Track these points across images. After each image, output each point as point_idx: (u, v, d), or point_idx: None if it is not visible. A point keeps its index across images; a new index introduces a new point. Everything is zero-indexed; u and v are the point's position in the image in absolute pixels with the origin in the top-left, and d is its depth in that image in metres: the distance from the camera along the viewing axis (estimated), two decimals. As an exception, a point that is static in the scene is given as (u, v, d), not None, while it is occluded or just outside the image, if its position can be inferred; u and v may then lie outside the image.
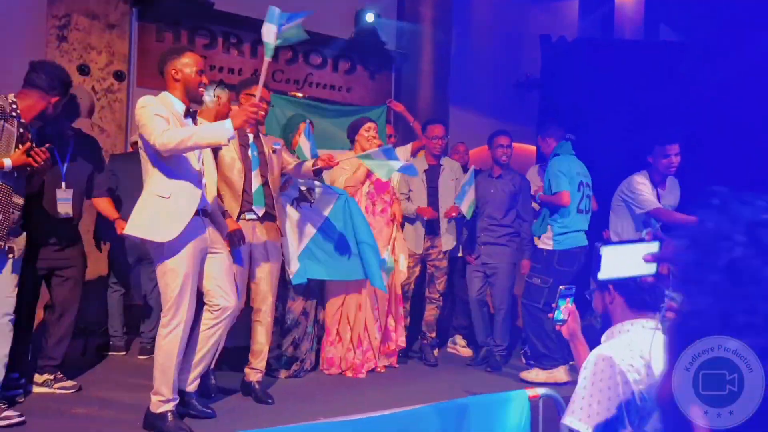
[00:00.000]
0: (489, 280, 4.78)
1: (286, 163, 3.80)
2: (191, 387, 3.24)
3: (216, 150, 3.39)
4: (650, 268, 1.54)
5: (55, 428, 3.06)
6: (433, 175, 4.79)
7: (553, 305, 2.05)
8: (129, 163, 4.08)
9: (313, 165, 3.67)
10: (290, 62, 6.42)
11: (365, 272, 4.09)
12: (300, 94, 6.27)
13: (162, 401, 3.00)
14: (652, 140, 4.29)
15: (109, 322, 4.51)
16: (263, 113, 3.08)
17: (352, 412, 2.42)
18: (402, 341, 4.54)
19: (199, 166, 3.08)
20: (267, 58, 2.99)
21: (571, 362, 4.08)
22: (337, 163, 3.76)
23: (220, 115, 3.73)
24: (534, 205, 4.85)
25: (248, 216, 3.62)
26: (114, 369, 4.14)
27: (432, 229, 4.74)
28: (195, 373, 3.23)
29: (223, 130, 2.84)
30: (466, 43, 7.42)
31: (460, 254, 5.00)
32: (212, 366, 3.50)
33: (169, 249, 2.95)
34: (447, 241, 4.75)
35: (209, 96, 3.76)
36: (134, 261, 4.44)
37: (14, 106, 3.02)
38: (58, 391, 3.51)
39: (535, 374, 4.31)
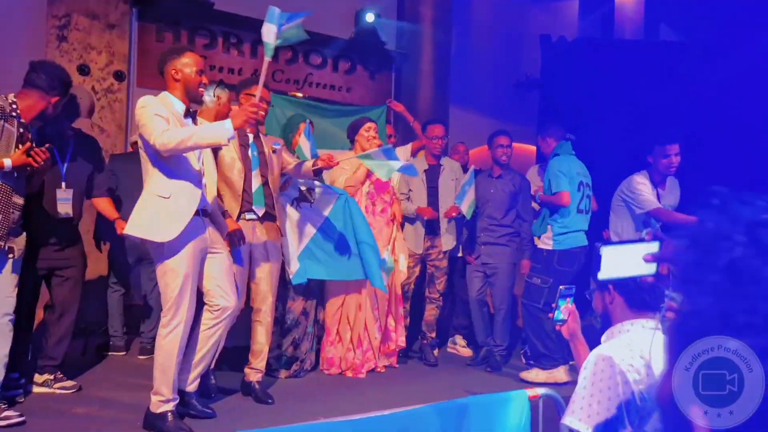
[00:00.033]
0: (489, 280, 4.78)
1: (286, 163, 3.80)
2: (191, 387, 3.24)
3: (216, 150, 3.39)
4: (650, 268, 1.54)
5: (55, 428, 3.06)
6: (433, 175, 4.79)
7: (553, 305, 2.05)
8: (129, 163, 4.08)
9: (313, 165, 3.67)
10: (290, 62, 6.42)
11: (365, 272, 4.08)
12: (300, 94, 6.27)
13: (162, 401, 3.00)
14: (652, 140, 4.29)
15: (109, 322, 4.51)
16: (263, 113, 3.08)
17: (352, 412, 2.42)
18: (402, 341, 4.54)
19: (199, 166, 3.08)
20: (267, 58, 2.99)
21: (571, 362, 4.08)
22: (337, 163, 3.76)
23: (220, 115, 3.73)
24: (534, 205, 4.85)
25: (248, 216, 3.61)
26: (114, 369, 4.14)
27: (432, 229, 4.74)
28: (195, 373, 3.23)
29: (223, 130, 2.84)
30: (466, 43, 7.42)
31: (460, 254, 5.00)
32: (212, 366, 3.50)
33: (169, 249, 2.95)
34: (447, 241, 4.75)
35: (209, 96, 3.75)
36: (134, 261, 4.45)
37: (14, 106, 3.02)
38: (58, 391, 3.51)
39: (535, 374, 4.31)
